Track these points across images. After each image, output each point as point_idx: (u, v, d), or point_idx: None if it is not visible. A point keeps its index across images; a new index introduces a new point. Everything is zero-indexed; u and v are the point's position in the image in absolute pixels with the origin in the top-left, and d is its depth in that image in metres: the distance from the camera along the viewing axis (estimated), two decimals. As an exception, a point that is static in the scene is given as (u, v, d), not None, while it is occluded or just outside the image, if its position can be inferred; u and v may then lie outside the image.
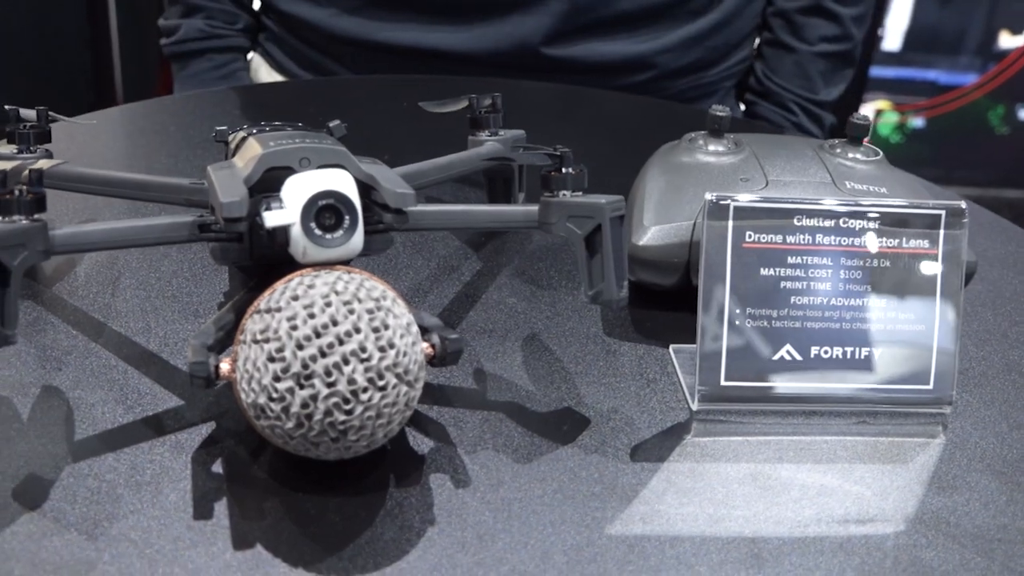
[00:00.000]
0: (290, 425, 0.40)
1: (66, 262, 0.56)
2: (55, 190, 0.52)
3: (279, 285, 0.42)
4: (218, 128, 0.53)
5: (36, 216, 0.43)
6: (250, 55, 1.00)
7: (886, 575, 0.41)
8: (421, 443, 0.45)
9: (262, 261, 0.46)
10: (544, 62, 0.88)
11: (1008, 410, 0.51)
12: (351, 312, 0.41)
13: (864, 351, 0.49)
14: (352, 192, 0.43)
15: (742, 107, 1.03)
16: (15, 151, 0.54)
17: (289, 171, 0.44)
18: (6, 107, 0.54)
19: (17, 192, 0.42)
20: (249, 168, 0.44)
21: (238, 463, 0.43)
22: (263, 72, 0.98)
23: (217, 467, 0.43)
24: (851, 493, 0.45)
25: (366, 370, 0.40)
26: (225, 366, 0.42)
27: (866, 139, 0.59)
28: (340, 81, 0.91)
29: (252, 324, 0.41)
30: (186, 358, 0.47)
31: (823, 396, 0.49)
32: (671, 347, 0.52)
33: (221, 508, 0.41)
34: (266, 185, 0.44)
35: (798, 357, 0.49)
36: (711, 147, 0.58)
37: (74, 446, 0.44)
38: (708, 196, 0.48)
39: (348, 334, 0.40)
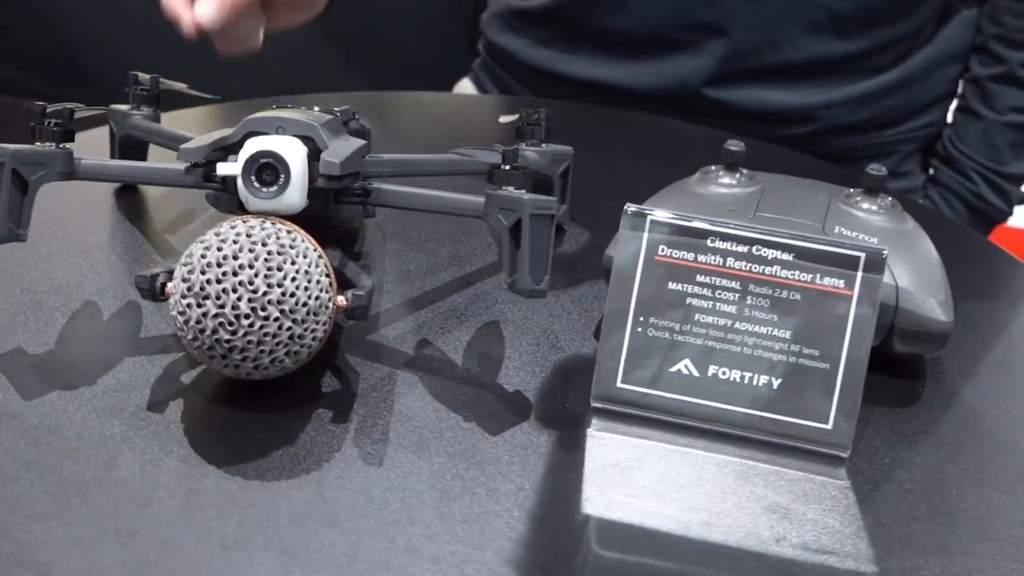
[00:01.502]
0: (189, 337, 0.48)
1: (163, 197, 0.67)
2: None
3: (222, 223, 0.50)
4: (278, 104, 0.62)
5: (63, 145, 0.53)
6: (462, 80, 1.09)
7: None
8: (329, 384, 0.52)
9: (255, 211, 0.54)
10: (705, 103, 0.91)
11: (911, 475, 0.49)
12: (251, 251, 0.48)
13: (763, 379, 0.50)
14: (293, 156, 0.50)
15: (931, 171, 0.99)
16: (128, 109, 0.66)
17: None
18: (130, 72, 0.66)
19: (48, 123, 0.53)
20: (233, 129, 0.52)
21: (173, 369, 0.52)
22: (471, 88, 1.07)
23: (154, 369, 0.51)
24: (693, 506, 0.46)
25: (250, 300, 0.47)
26: (170, 284, 0.50)
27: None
28: (517, 100, 0.99)
29: (186, 250, 0.49)
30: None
31: (716, 416, 0.50)
32: (614, 353, 0.55)
33: (135, 397, 0.49)
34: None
35: (695, 373, 0.50)
36: (722, 179, 0.60)
37: (64, 333, 0.54)
38: (627, 207, 0.51)
39: (242, 267, 0.47)
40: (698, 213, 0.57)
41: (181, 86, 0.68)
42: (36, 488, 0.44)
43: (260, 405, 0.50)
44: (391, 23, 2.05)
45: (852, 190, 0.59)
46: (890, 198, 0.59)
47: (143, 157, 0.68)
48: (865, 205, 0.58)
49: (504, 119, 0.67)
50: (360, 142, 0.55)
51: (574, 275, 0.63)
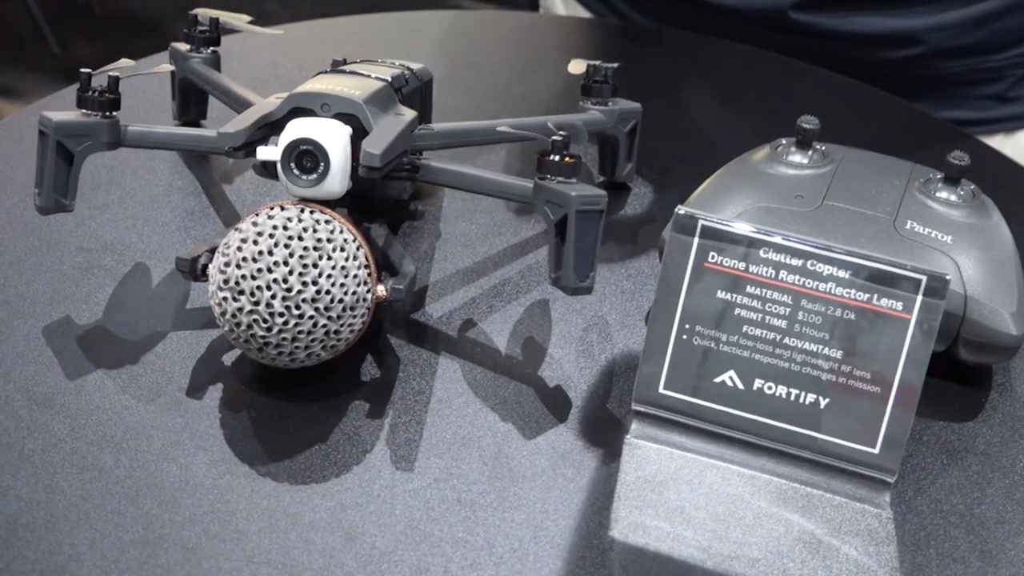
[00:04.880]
0: (226, 329, 0.48)
1: (233, 168, 0.66)
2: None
3: (261, 209, 0.49)
4: (334, 59, 0.60)
5: (109, 114, 0.52)
6: None
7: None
8: (368, 371, 0.51)
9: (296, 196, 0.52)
10: (792, 26, 0.86)
11: (957, 507, 0.47)
12: (287, 247, 0.47)
13: (811, 397, 0.48)
14: (333, 144, 0.48)
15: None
16: (187, 50, 0.64)
17: (312, 113, 0.51)
18: (189, 12, 0.64)
19: (93, 93, 0.52)
20: (277, 105, 0.51)
21: (215, 347, 0.52)
22: (559, 3, 1.02)
23: (197, 347, 0.52)
24: (722, 534, 0.45)
25: (284, 299, 0.46)
26: (210, 266, 0.50)
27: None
28: (597, 22, 0.94)
29: (227, 235, 0.49)
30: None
31: (758, 430, 0.48)
32: (662, 344, 0.53)
33: (176, 379, 0.50)
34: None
35: (740, 386, 0.48)
36: (792, 157, 0.56)
37: (112, 301, 0.54)
38: (679, 209, 0.48)
39: (276, 264, 0.47)
40: (762, 197, 0.54)
41: (243, 22, 0.66)
42: (70, 484, 0.45)
43: (297, 393, 0.50)
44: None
45: (932, 175, 0.56)
46: (972, 186, 0.55)
47: (203, 99, 0.66)
48: (943, 195, 0.54)
49: (574, 68, 0.64)
50: (408, 117, 0.53)
51: (634, 245, 0.61)
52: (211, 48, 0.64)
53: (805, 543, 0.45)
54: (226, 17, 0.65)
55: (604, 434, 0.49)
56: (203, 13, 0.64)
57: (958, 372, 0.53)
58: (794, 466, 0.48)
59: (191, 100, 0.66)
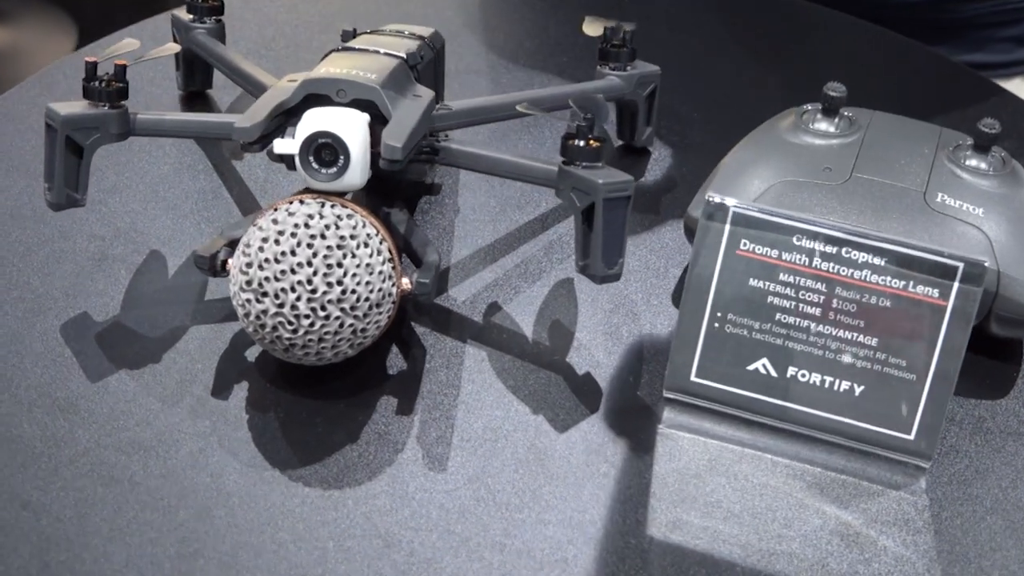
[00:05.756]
0: (250, 329, 0.47)
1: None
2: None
3: (279, 203, 0.48)
4: (344, 29, 0.58)
5: (118, 103, 0.51)
6: None
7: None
8: (394, 363, 0.51)
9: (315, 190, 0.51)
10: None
11: (992, 492, 0.47)
12: (310, 247, 0.46)
13: (845, 384, 0.47)
14: (353, 136, 0.47)
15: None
16: (190, 19, 0.62)
17: (327, 99, 0.49)
18: (190, -21, 0.62)
19: (99, 83, 0.50)
20: (291, 92, 0.49)
21: (238, 341, 0.51)
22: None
23: (219, 342, 0.51)
24: (761, 530, 0.45)
25: (309, 300, 0.45)
26: (230, 261, 0.49)
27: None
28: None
29: (247, 232, 0.47)
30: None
31: (793, 417, 0.48)
32: (690, 324, 0.53)
33: (200, 377, 0.49)
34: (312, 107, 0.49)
35: (773, 373, 0.48)
36: (818, 125, 0.55)
37: (129, 294, 0.53)
38: (710, 195, 0.47)
39: (300, 266, 0.45)
40: (789, 170, 0.53)
41: None
42: (101, 497, 0.44)
43: (324, 389, 0.49)
44: None
45: (961, 141, 0.54)
46: (1003, 152, 0.54)
47: (209, 68, 0.65)
48: (973, 163, 0.53)
49: (589, 29, 0.62)
50: (426, 99, 0.51)
51: (657, 215, 0.60)
52: (215, 17, 0.62)
53: (843, 535, 0.45)
54: None
55: (636, 423, 0.49)
56: (205, -19, 0.62)
57: (987, 345, 0.52)
58: (829, 453, 0.48)
59: (196, 70, 0.65)
